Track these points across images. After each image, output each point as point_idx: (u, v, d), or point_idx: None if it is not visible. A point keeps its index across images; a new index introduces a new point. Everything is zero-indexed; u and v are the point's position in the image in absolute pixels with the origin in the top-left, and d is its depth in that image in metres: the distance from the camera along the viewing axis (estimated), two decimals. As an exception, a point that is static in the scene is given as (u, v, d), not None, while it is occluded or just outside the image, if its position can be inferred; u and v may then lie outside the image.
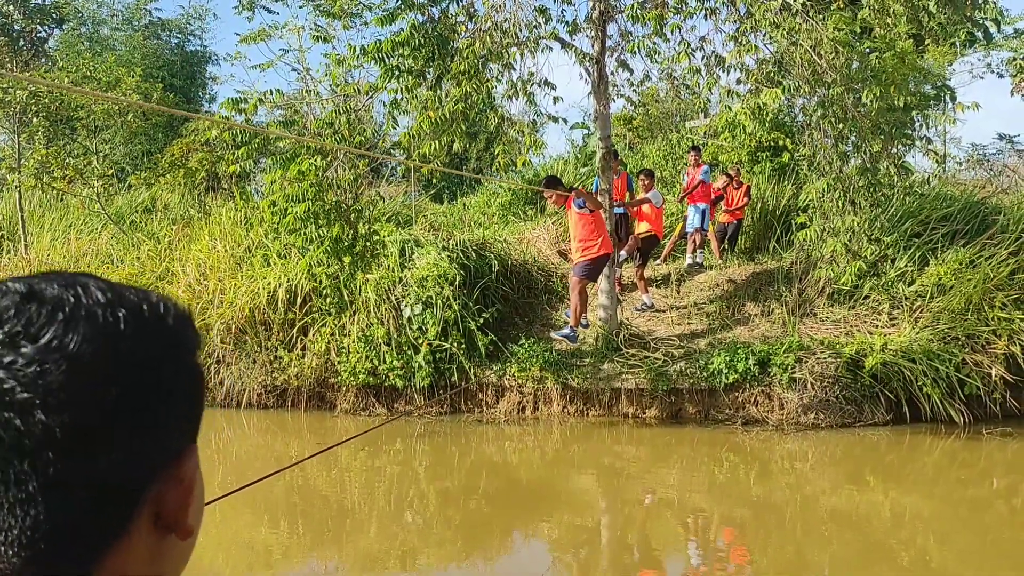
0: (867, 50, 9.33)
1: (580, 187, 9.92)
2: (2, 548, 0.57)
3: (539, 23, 9.25)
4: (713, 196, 12.00)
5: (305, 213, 8.92)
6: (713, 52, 9.28)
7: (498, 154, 9.18)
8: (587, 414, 9.61)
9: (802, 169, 11.78)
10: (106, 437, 0.57)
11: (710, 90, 9.85)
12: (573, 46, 9.74)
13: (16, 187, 14.31)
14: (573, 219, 9.22)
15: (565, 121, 10.58)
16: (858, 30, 9.79)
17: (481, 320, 10.02)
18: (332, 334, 10.29)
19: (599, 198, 10.12)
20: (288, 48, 28.37)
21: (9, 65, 13.77)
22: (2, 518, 0.56)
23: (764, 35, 8.95)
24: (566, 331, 9.30)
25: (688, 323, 10.43)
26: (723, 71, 9.25)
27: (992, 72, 22.15)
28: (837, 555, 5.70)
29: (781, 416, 9.08)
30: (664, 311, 10.72)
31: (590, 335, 9.92)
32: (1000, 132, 28.76)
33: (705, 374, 9.16)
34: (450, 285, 10.09)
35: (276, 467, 8.28)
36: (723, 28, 9.38)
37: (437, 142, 8.82)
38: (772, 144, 13.77)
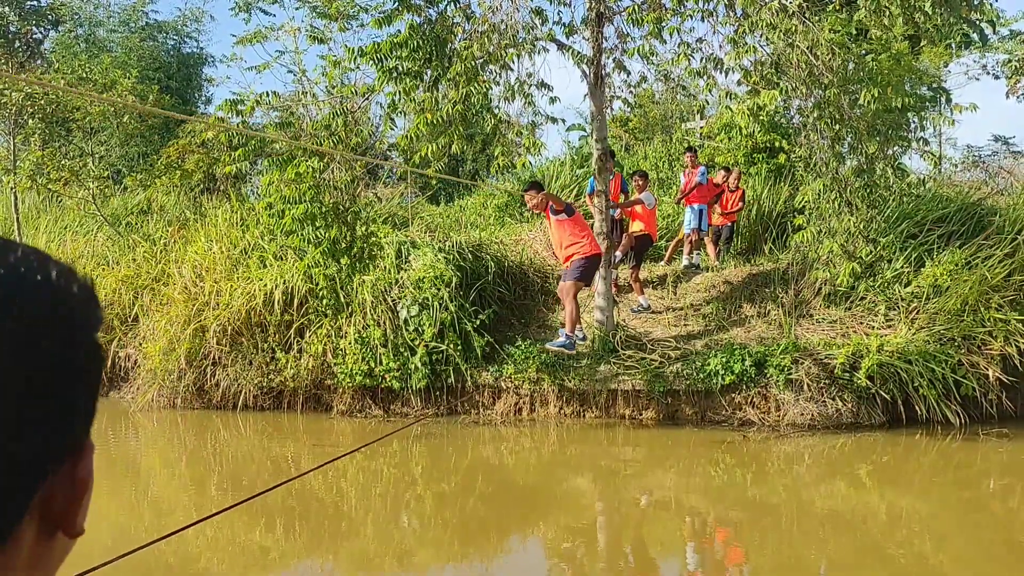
0: (863, 52, 9.35)
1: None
2: None
3: (536, 24, 9.25)
4: (714, 192, 12.03)
5: (302, 215, 8.91)
6: (711, 54, 9.29)
7: (497, 156, 9.19)
8: (584, 416, 9.60)
9: (798, 171, 11.79)
10: None
11: (709, 91, 9.86)
12: (570, 48, 9.75)
13: (11, 189, 14.27)
14: (553, 226, 9.22)
15: (563, 122, 10.55)
16: (854, 32, 9.81)
17: (477, 322, 10.02)
18: (328, 336, 10.27)
19: (596, 200, 10.13)
20: (284, 50, 28.39)
21: (5, 67, 13.73)
22: None
23: (761, 36, 8.96)
24: (562, 340, 9.26)
25: (685, 324, 10.43)
26: (721, 73, 9.27)
27: (987, 74, 22.21)
28: (833, 556, 5.70)
29: (777, 417, 9.09)
30: (660, 312, 10.72)
31: (587, 336, 9.91)
32: (995, 134, 28.83)
33: (702, 376, 9.17)
34: (446, 287, 10.09)
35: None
36: (720, 30, 9.39)
37: (435, 144, 8.83)
38: (768, 146, 13.80)
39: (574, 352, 9.44)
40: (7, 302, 0.52)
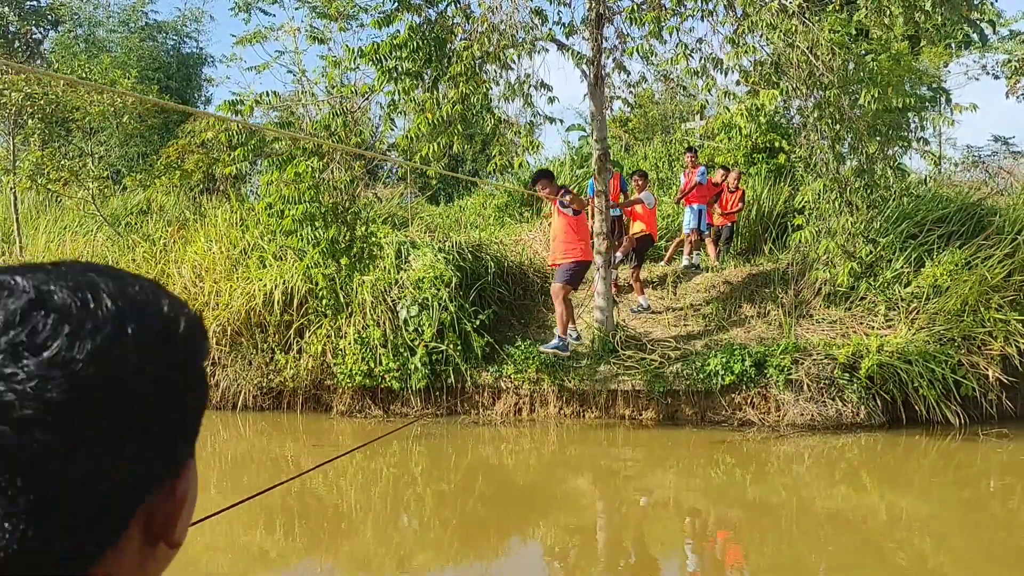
0: (863, 52, 9.35)
1: (573, 189, 9.93)
2: None
3: (535, 24, 9.25)
4: (713, 192, 12.03)
5: (302, 215, 8.91)
6: (711, 54, 9.29)
7: (495, 156, 9.19)
8: (584, 416, 9.60)
9: (798, 171, 11.79)
10: (105, 454, 0.56)
11: (709, 91, 9.86)
12: (570, 48, 9.75)
13: (11, 189, 14.27)
14: (555, 218, 9.25)
15: (561, 122, 10.55)
16: (854, 32, 9.81)
17: (477, 322, 10.02)
18: (328, 336, 10.27)
19: (597, 200, 10.12)
20: (284, 50, 28.38)
21: (5, 67, 13.72)
22: None
23: (761, 36, 8.96)
24: (555, 343, 9.27)
25: (684, 325, 10.43)
26: (721, 73, 9.26)
27: (987, 74, 22.22)
28: (833, 557, 5.69)
29: (777, 418, 9.08)
30: (660, 313, 10.72)
31: (586, 337, 9.91)
32: (995, 134, 28.83)
33: (702, 376, 9.16)
34: (446, 287, 10.08)
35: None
36: (720, 30, 9.39)
37: (435, 144, 8.82)
38: (768, 146, 13.79)
39: (568, 354, 9.43)
40: (123, 330, 0.57)
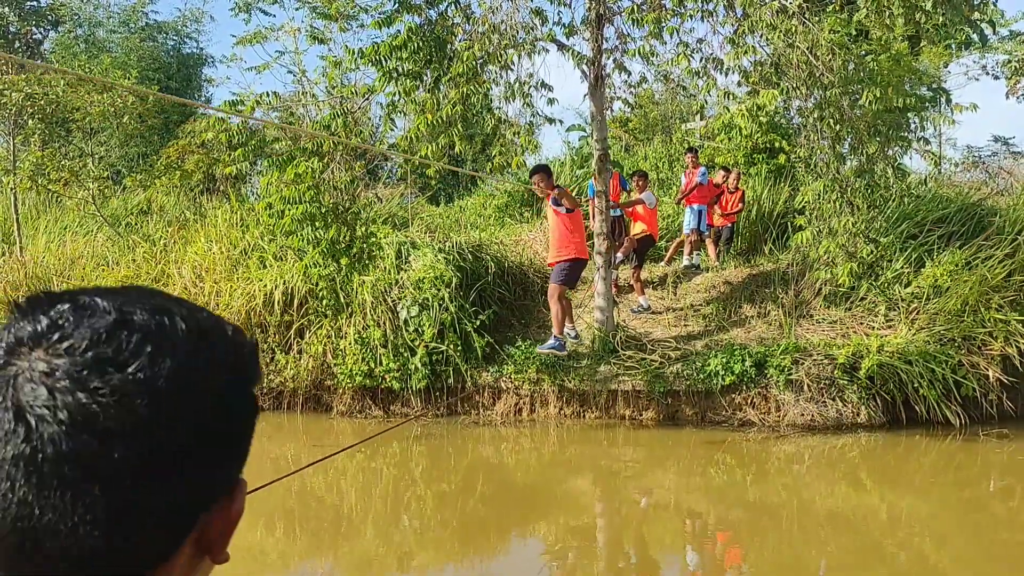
0: (863, 52, 9.35)
1: (572, 189, 9.94)
2: (60, 563, 0.58)
3: (536, 25, 9.25)
4: (714, 193, 12.03)
5: (302, 215, 8.91)
6: (711, 55, 9.29)
7: (494, 156, 9.18)
8: (584, 416, 9.60)
9: (799, 171, 11.79)
10: (177, 468, 0.59)
11: (708, 92, 9.86)
12: (570, 48, 9.75)
13: (11, 189, 14.27)
14: (551, 217, 9.26)
15: (561, 122, 10.56)
16: (854, 32, 9.81)
17: (477, 322, 10.01)
18: (328, 336, 10.27)
19: (597, 201, 10.11)
20: (284, 50, 28.36)
21: (4, 67, 13.73)
22: (65, 536, 0.57)
23: (761, 37, 8.96)
24: (551, 343, 9.27)
25: (685, 325, 10.43)
26: (721, 73, 9.26)
27: (987, 74, 22.22)
28: (833, 557, 5.69)
29: (778, 418, 9.08)
30: (661, 313, 10.71)
31: (586, 337, 9.91)
32: (995, 134, 28.83)
33: (702, 376, 9.16)
34: (446, 287, 10.08)
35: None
36: (720, 30, 9.40)
37: (436, 144, 8.82)
38: (768, 146, 13.79)
39: (565, 353, 9.42)
40: (198, 352, 0.61)
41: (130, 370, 0.57)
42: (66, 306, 0.60)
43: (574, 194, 12.98)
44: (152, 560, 0.60)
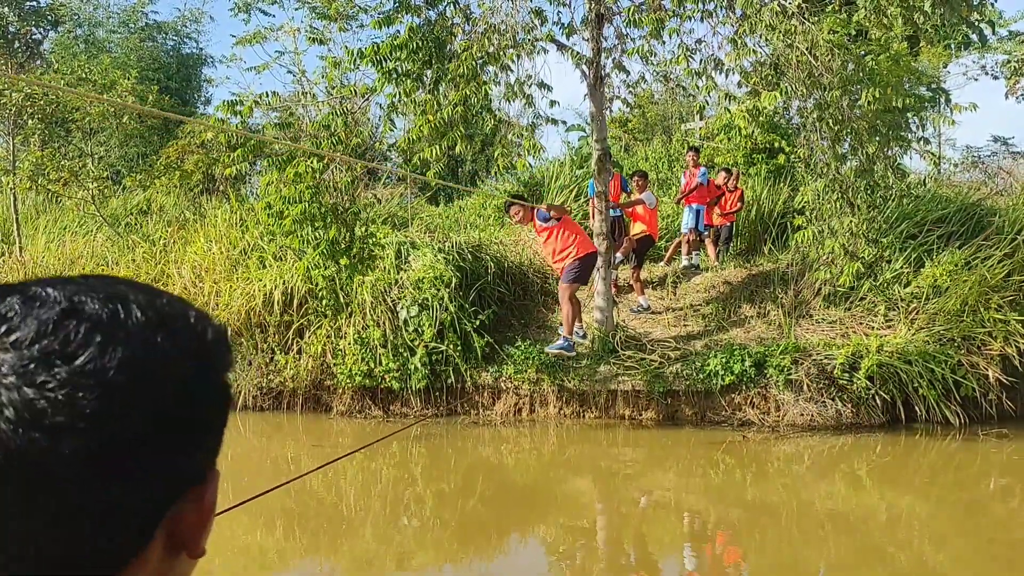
0: (862, 52, 9.35)
1: (545, 203, 10.01)
2: (20, 566, 0.56)
3: (535, 25, 9.25)
4: (714, 194, 12.02)
5: (301, 215, 8.91)
6: (711, 55, 9.29)
7: (496, 157, 9.18)
8: (583, 416, 9.60)
9: (798, 171, 11.79)
10: (134, 462, 0.56)
11: (708, 93, 9.86)
12: (569, 48, 9.75)
13: (11, 189, 14.26)
14: (543, 239, 9.26)
15: (564, 123, 10.56)
16: (853, 32, 9.81)
17: (477, 322, 10.01)
18: (328, 336, 10.27)
19: (597, 201, 10.12)
20: (284, 51, 28.37)
21: (4, 67, 13.73)
22: (20, 540, 0.55)
23: (760, 37, 8.96)
24: (561, 343, 9.27)
25: (684, 325, 10.43)
26: (721, 74, 9.27)
27: (986, 74, 22.22)
28: (833, 556, 5.70)
29: (777, 418, 9.09)
30: (660, 313, 10.71)
31: (587, 334, 9.91)
32: (995, 134, 28.82)
33: (701, 376, 9.16)
34: (446, 287, 10.08)
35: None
36: (720, 31, 9.40)
37: (437, 145, 8.82)
38: (768, 146, 13.79)
39: (573, 354, 9.43)
40: (153, 340, 0.58)
41: (78, 362, 0.54)
42: (15, 298, 0.57)
43: (574, 195, 12.98)
44: (119, 558, 0.58)
